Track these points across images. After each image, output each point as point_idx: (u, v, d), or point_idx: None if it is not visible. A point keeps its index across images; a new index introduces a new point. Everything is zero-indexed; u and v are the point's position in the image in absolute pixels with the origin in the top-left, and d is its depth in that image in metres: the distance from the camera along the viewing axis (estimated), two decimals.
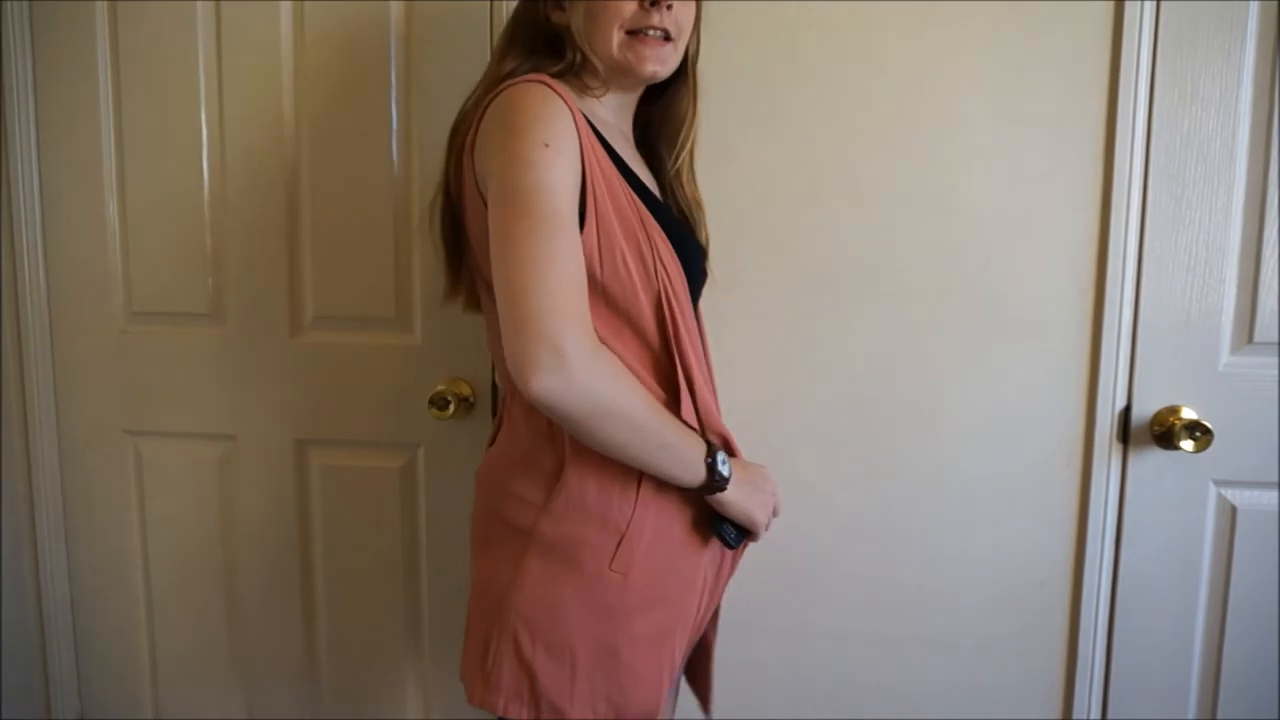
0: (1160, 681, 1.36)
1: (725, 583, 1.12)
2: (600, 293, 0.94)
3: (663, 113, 1.14)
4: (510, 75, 0.99)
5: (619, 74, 1.03)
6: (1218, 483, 1.32)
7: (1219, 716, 1.36)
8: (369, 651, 1.55)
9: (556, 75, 1.00)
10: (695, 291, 1.08)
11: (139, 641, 1.62)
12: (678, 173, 1.14)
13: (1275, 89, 1.25)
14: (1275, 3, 1.24)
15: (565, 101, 0.92)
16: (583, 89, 1.04)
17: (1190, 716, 1.37)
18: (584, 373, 0.84)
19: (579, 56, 1.02)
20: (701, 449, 0.96)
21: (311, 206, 1.45)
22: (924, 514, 1.37)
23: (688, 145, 1.13)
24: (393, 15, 1.40)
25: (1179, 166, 1.27)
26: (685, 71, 1.10)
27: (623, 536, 0.96)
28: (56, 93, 1.50)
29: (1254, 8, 1.24)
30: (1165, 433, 1.29)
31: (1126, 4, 1.25)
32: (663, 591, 1.00)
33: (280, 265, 1.47)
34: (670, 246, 0.99)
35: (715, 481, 0.96)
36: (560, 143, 0.89)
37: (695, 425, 0.99)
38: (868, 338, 1.35)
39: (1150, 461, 1.32)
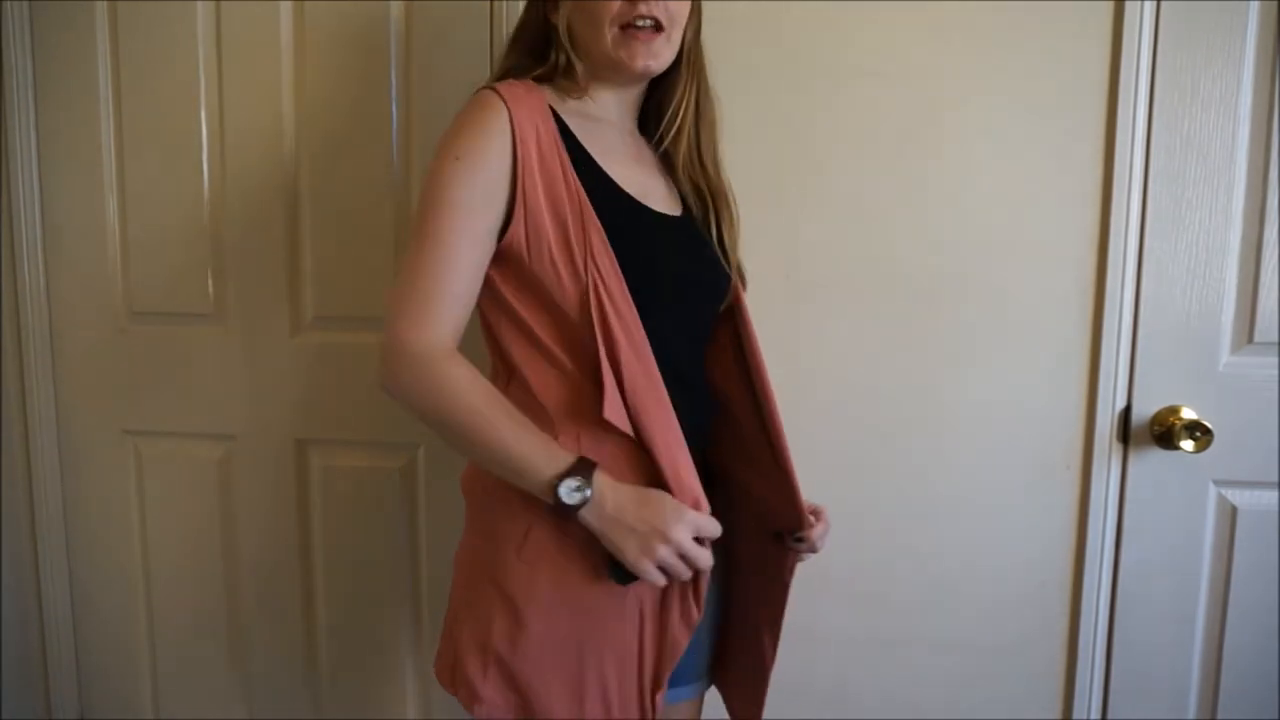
0: (1160, 682, 1.36)
1: (688, 617, 0.98)
2: (530, 282, 0.96)
3: (659, 102, 1.10)
4: (500, 76, 1.03)
5: (612, 70, 1.02)
6: (1218, 483, 1.32)
7: (1219, 717, 1.36)
8: (369, 651, 1.55)
9: (541, 76, 1.02)
10: (691, 293, 1.05)
11: (139, 641, 1.62)
12: (682, 158, 1.09)
13: (1275, 89, 1.25)
14: (1275, 3, 1.24)
15: (508, 107, 0.94)
16: (571, 88, 1.04)
17: (1190, 717, 1.37)
18: (409, 381, 0.93)
19: (563, 57, 1.03)
20: (553, 469, 0.90)
21: (311, 206, 1.45)
22: (924, 514, 1.37)
23: (675, 126, 1.07)
24: (393, 15, 1.40)
25: (1179, 167, 1.27)
26: (681, 59, 1.07)
27: (530, 528, 0.95)
28: (56, 93, 1.50)
29: (1254, 8, 1.24)
30: (1165, 433, 1.29)
31: (1126, 4, 1.25)
32: (577, 601, 0.95)
33: (280, 265, 1.47)
34: (605, 243, 0.95)
35: (560, 506, 0.90)
36: (474, 154, 0.93)
37: (627, 426, 0.94)
38: (867, 338, 1.35)
39: (1150, 461, 1.32)
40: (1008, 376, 1.33)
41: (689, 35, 1.06)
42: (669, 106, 1.08)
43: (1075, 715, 1.37)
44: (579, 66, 1.03)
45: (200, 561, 1.57)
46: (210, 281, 1.50)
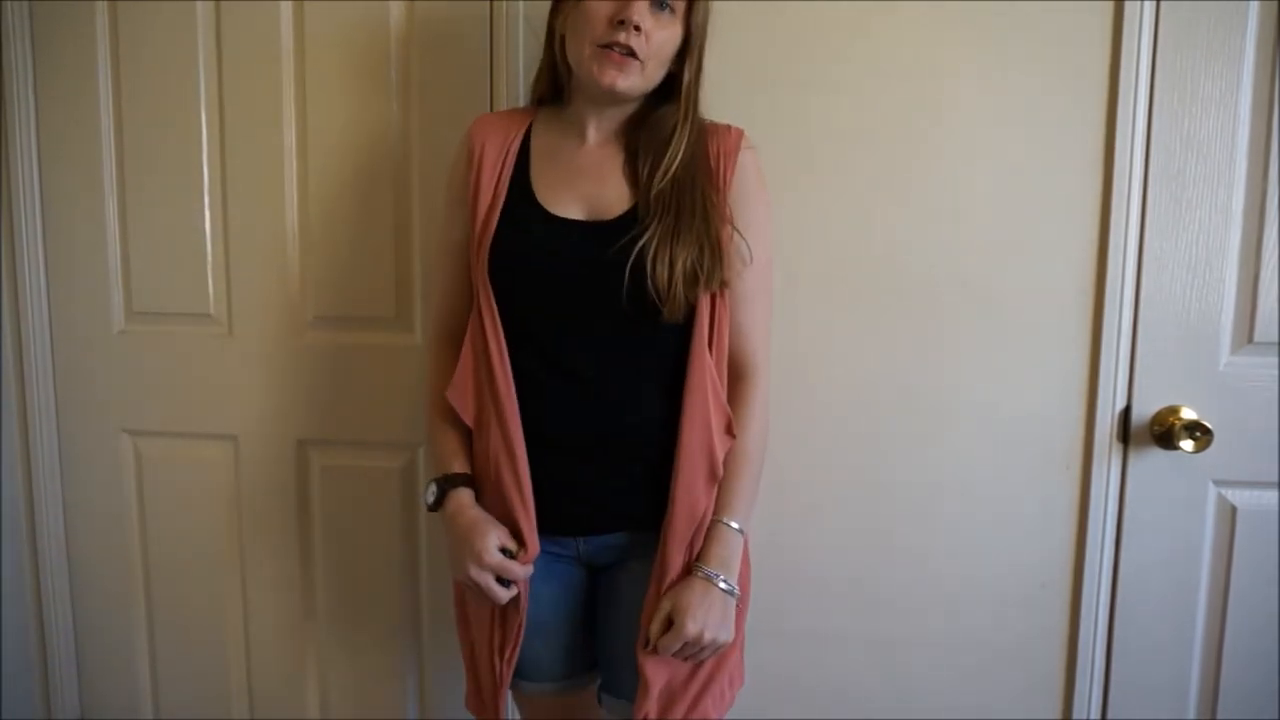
0: (1160, 681, 1.36)
1: (508, 621, 1.11)
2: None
3: (649, 131, 1.09)
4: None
5: (586, 85, 1.08)
6: (1218, 483, 1.32)
7: (1219, 716, 1.36)
8: (369, 651, 1.55)
9: (548, 87, 1.15)
10: (569, 294, 1.06)
11: (139, 641, 1.62)
12: (657, 187, 1.05)
13: (1275, 89, 1.25)
14: (1275, 3, 1.24)
15: (471, 134, 1.14)
16: (565, 99, 1.14)
17: (1190, 716, 1.37)
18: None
19: (561, 69, 1.12)
20: (434, 473, 1.14)
21: (312, 206, 1.45)
22: (924, 514, 1.37)
23: (660, 161, 1.05)
24: (393, 15, 1.40)
25: (1179, 167, 1.27)
26: (678, 95, 1.09)
27: None
28: (56, 93, 1.50)
29: (1254, 8, 1.24)
30: (1165, 433, 1.29)
31: (1126, 4, 1.25)
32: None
33: (280, 265, 1.47)
34: (484, 253, 1.07)
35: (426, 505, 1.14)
36: (451, 179, 1.17)
37: (468, 413, 1.09)
38: (868, 339, 1.35)
39: (1150, 461, 1.32)
40: (1008, 376, 1.33)
41: (688, 74, 1.08)
42: (658, 140, 1.07)
43: (1075, 715, 1.37)
44: (564, 79, 1.12)
45: (201, 561, 1.57)
46: (210, 281, 1.50)
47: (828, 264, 1.34)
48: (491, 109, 1.38)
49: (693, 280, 1.02)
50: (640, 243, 1.02)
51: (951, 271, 1.32)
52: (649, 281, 1.01)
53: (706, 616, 1.02)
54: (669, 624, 1.03)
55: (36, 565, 1.61)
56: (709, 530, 1.06)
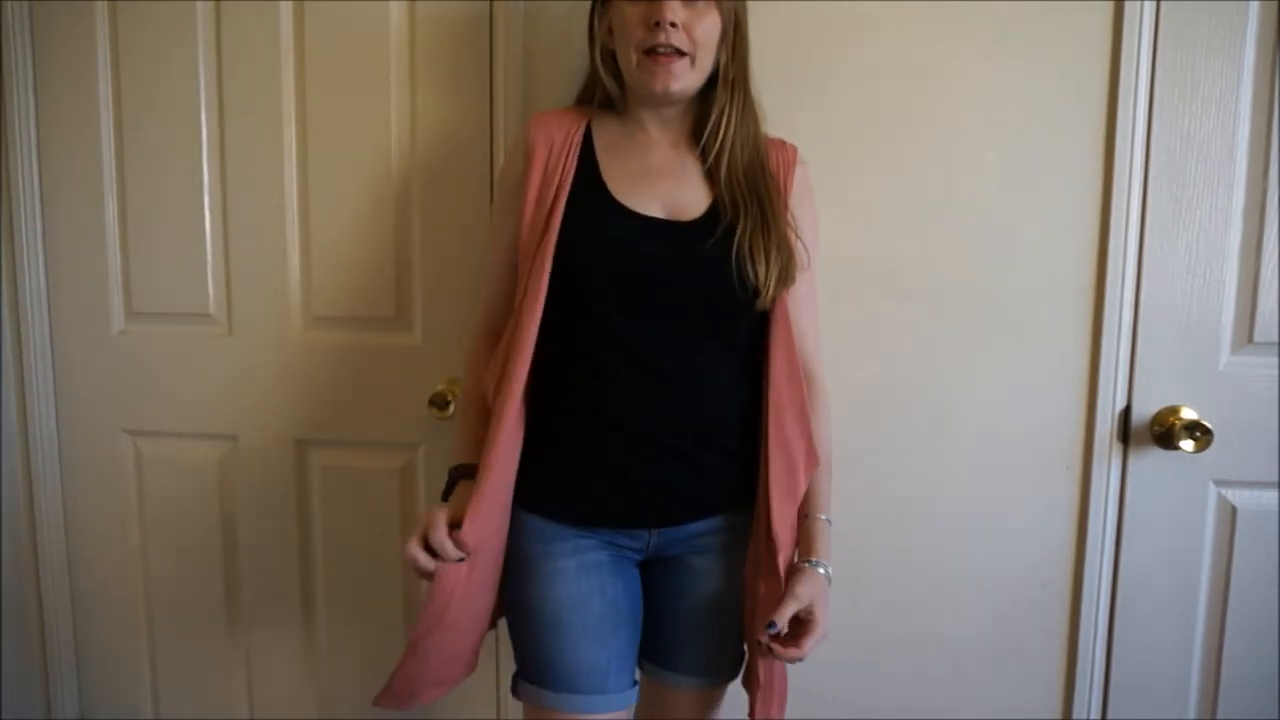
0: (1160, 681, 1.36)
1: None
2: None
3: (705, 116, 1.13)
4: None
5: (640, 92, 1.10)
6: (1218, 483, 1.32)
7: (1219, 716, 1.36)
8: (369, 651, 1.55)
9: (603, 96, 1.15)
10: (652, 286, 1.07)
11: (139, 641, 1.62)
12: (724, 173, 1.11)
13: (1275, 89, 1.25)
14: (1275, 2, 1.24)
15: (528, 128, 1.13)
16: (621, 106, 1.15)
17: (1190, 717, 1.37)
18: None
19: (609, 82, 1.14)
20: (454, 462, 1.13)
21: (312, 206, 1.45)
22: (924, 514, 1.37)
23: (715, 145, 1.11)
24: (393, 15, 1.40)
25: (1179, 166, 1.27)
26: (719, 80, 1.11)
27: None
28: (56, 93, 1.50)
29: (1254, 8, 1.24)
30: (1165, 433, 1.29)
31: (1126, 4, 1.25)
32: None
33: (280, 265, 1.47)
34: (549, 241, 1.05)
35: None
36: (504, 175, 1.17)
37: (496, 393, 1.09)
38: (867, 339, 1.35)
39: (1150, 461, 1.32)
40: (1008, 376, 1.33)
41: (724, 57, 1.10)
42: (711, 122, 1.11)
43: (1075, 715, 1.38)
44: (613, 88, 1.13)
45: (200, 561, 1.57)
46: (210, 281, 1.50)
47: (827, 264, 1.33)
48: (491, 109, 1.39)
49: (780, 274, 1.08)
50: (736, 236, 1.07)
51: (951, 271, 1.32)
52: (751, 273, 1.06)
53: (827, 611, 1.07)
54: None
55: (37, 565, 1.62)
56: (808, 525, 1.12)
